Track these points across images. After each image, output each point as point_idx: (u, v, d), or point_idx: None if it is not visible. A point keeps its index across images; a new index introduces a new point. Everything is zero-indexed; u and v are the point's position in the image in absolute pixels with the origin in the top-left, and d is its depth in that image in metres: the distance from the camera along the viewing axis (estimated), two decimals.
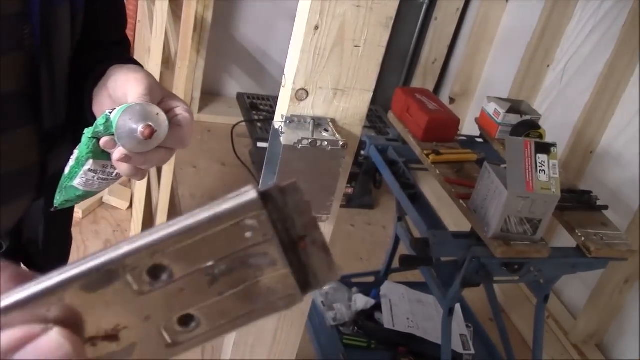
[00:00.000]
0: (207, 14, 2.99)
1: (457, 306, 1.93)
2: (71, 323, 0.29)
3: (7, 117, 0.72)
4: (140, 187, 2.19)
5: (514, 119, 1.81)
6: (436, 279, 1.62)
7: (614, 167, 2.15)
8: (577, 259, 1.51)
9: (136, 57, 1.07)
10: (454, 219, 2.32)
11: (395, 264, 1.96)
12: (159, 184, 2.22)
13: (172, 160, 2.02)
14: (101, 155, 0.70)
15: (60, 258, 0.94)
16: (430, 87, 3.18)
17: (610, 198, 1.97)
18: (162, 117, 0.67)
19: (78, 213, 2.30)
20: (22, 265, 0.89)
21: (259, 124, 2.87)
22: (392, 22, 0.96)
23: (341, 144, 0.98)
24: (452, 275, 1.52)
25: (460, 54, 3.05)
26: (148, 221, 2.28)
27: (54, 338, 0.28)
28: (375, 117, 3.13)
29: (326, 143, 0.97)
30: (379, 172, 1.88)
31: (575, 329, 2.19)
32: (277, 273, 0.32)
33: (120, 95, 0.70)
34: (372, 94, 1.01)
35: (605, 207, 1.64)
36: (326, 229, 1.11)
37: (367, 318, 1.99)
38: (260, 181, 1.09)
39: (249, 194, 0.30)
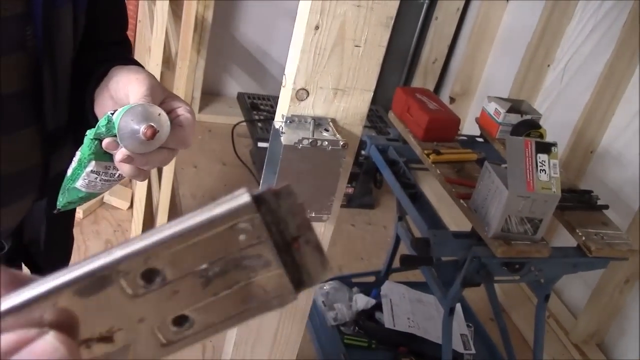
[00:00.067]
0: (208, 14, 2.99)
1: (458, 306, 1.93)
2: (66, 326, 0.29)
3: (10, 118, 0.72)
4: (140, 187, 2.19)
5: (515, 118, 1.81)
6: (437, 279, 1.62)
7: (615, 166, 2.15)
8: (577, 259, 1.51)
9: (136, 57, 1.08)
10: (455, 219, 2.32)
11: (396, 263, 1.96)
12: (160, 184, 2.22)
13: (173, 160, 2.02)
14: (103, 156, 0.70)
15: (61, 259, 0.94)
16: (431, 86, 3.18)
17: (611, 198, 1.96)
18: (164, 117, 0.67)
19: (79, 213, 2.30)
20: (24, 266, 0.89)
21: (259, 124, 2.87)
22: (393, 21, 0.96)
23: (341, 143, 0.98)
24: (453, 275, 1.52)
25: (461, 54, 3.05)
26: (149, 221, 2.28)
27: (50, 341, 0.28)
28: (376, 116, 3.13)
29: (326, 143, 0.97)
30: (379, 172, 1.88)
31: (576, 328, 2.19)
32: (271, 273, 0.32)
33: (122, 96, 0.70)
34: (372, 93, 1.02)
35: (606, 207, 1.64)
36: (327, 228, 1.11)
37: (367, 318, 1.99)
38: (261, 181, 1.09)
39: (242, 197, 0.30)
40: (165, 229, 0.30)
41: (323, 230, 1.11)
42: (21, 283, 0.29)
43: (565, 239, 1.80)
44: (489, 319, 2.19)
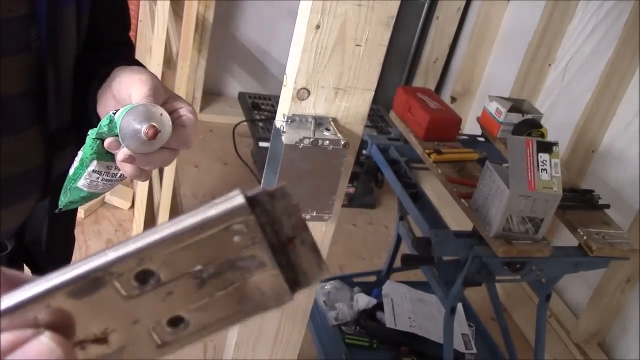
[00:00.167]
0: (209, 14, 2.99)
1: (459, 305, 1.94)
2: (62, 326, 0.29)
3: (14, 119, 0.72)
4: (142, 186, 2.19)
5: (516, 118, 1.81)
6: (438, 278, 1.62)
7: (616, 166, 2.15)
8: (579, 258, 1.51)
9: (138, 56, 1.07)
10: (456, 218, 2.32)
11: (397, 263, 1.96)
12: (161, 183, 2.22)
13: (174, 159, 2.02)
14: (105, 156, 0.70)
15: (63, 259, 0.94)
16: (432, 86, 3.18)
17: (612, 197, 1.96)
18: (166, 117, 0.67)
19: (80, 213, 2.31)
20: (25, 266, 0.89)
21: (260, 124, 2.87)
22: (394, 21, 0.96)
23: (342, 143, 0.98)
24: (454, 274, 1.52)
25: (462, 53, 3.05)
26: (150, 221, 2.28)
27: (45, 342, 0.28)
28: (377, 116, 3.13)
29: (328, 142, 0.97)
30: (380, 172, 1.88)
31: (577, 328, 2.19)
32: (266, 274, 0.32)
33: (125, 96, 0.70)
34: (373, 93, 1.01)
35: (607, 206, 1.64)
36: (328, 228, 1.11)
37: (369, 317, 1.99)
38: (262, 180, 1.09)
39: (236, 199, 0.30)
40: (159, 231, 0.30)
41: (324, 230, 1.11)
42: (17, 284, 0.29)
43: (566, 238, 1.80)
44: (490, 318, 2.19)
